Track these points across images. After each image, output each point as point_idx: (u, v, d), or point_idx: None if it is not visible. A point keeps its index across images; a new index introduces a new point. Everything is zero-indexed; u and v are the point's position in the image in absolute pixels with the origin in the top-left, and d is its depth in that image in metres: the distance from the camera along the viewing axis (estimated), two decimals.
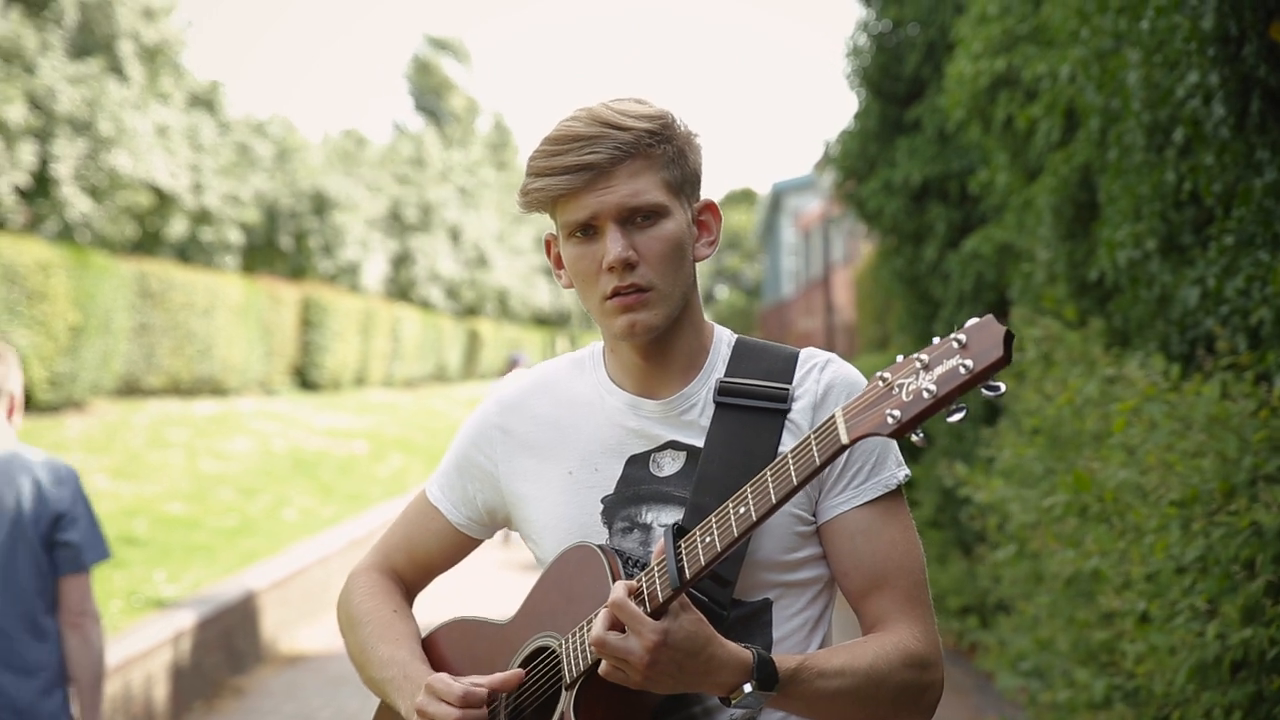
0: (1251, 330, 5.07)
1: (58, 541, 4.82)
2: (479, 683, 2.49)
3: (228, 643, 10.37)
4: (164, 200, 25.87)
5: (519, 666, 2.55)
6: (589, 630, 2.35)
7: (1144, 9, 5.52)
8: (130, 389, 22.29)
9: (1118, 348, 6.41)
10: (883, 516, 2.49)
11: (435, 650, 2.72)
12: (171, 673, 9.28)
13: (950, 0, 10.95)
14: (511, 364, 21.22)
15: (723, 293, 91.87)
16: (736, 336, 2.62)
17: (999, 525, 7.12)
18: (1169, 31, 5.34)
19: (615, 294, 2.45)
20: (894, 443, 2.43)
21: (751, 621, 2.47)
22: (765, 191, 56.69)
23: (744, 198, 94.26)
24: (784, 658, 2.33)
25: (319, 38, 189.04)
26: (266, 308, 27.48)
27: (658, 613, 2.25)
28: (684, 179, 2.51)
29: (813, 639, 2.52)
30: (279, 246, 35.14)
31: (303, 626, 12.23)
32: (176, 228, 26.93)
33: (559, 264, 2.57)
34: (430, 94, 65.15)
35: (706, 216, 2.58)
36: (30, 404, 18.29)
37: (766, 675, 2.28)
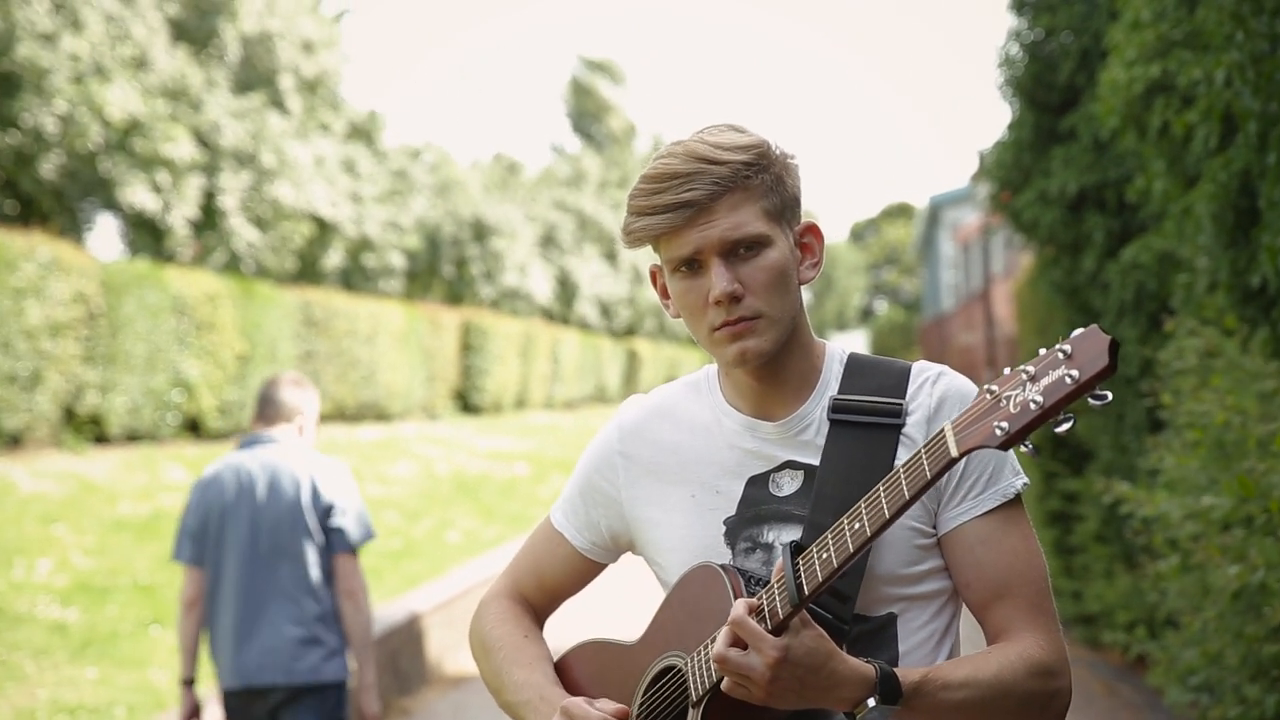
0: None
1: (330, 527, 6.04)
2: (610, 712, 2.54)
3: (393, 664, 10.52)
4: (325, 229, 26.37)
5: (647, 686, 2.60)
6: (712, 648, 2.37)
7: None
8: None
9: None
10: (1003, 526, 2.49)
11: (568, 673, 2.76)
12: None
13: (1104, 7, 10.79)
14: None
15: (881, 308, 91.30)
16: (849, 352, 2.64)
17: (1165, 540, 7.00)
18: None
19: (723, 325, 2.48)
20: (1011, 452, 2.42)
21: (877, 636, 2.49)
22: (923, 205, 56.22)
23: (901, 212, 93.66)
24: (907, 671, 2.34)
25: (473, 64, 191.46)
26: (427, 333, 27.85)
27: (778, 629, 2.27)
28: (784, 205, 2.52)
29: (940, 651, 2.53)
30: (440, 273, 35.63)
31: (467, 648, 12.32)
32: (336, 256, 27.43)
33: (665, 295, 2.60)
34: (587, 116, 65.62)
35: (809, 239, 2.60)
36: (201, 432, 18.75)
37: (890, 689, 2.29)
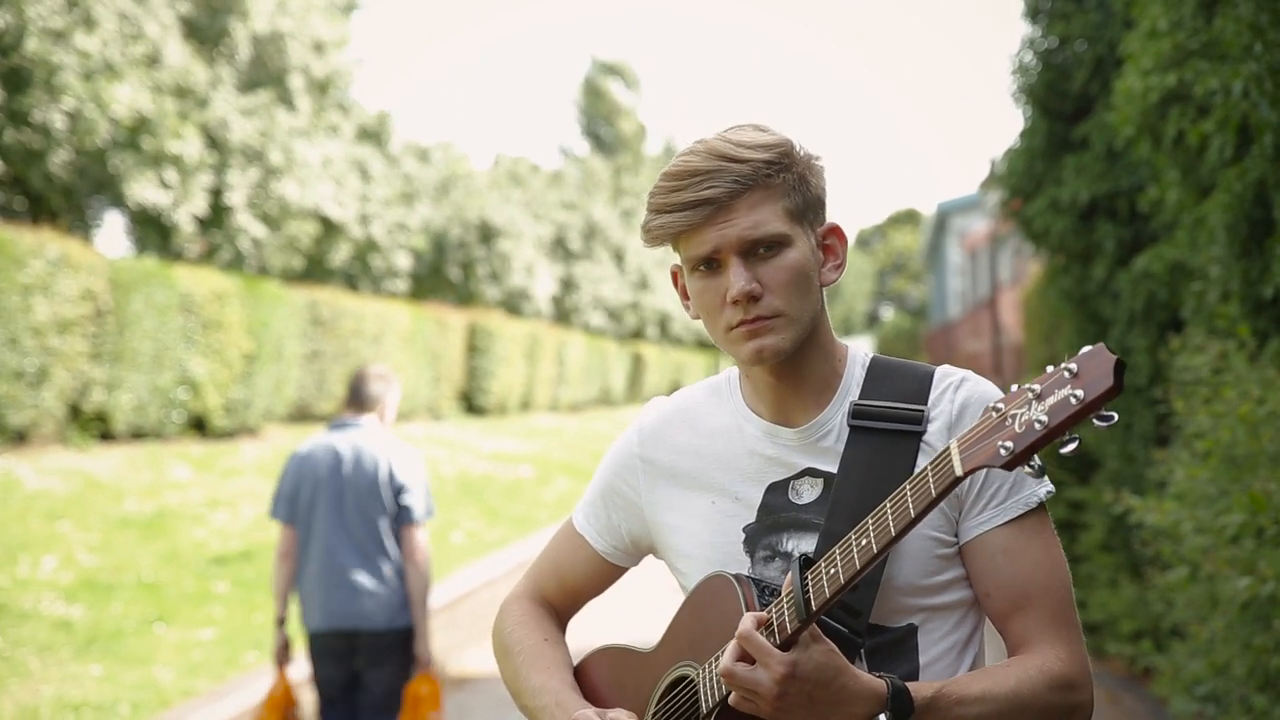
0: None
1: (401, 503, 7.16)
2: None
3: None
4: (331, 229, 26.38)
5: (660, 695, 2.58)
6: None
7: None
8: (302, 415, 22.75)
9: None
10: (1025, 535, 2.45)
11: (586, 678, 2.75)
12: None
13: (1119, 16, 10.77)
14: None
15: (887, 314, 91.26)
16: (871, 355, 2.61)
17: (1173, 549, 6.99)
18: None
19: (740, 324, 2.45)
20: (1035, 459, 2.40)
21: (897, 648, 2.45)
22: (930, 212, 56.24)
23: (909, 218, 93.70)
24: (920, 686, 2.30)
25: (487, 64, 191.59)
26: (434, 334, 27.85)
27: (787, 644, 2.24)
28: (806, 205, 2.49)
29: (962, 662, 2.49)
30: (446, 275, 35.64)
31: (471, 649, 12.35)
32: (342, 256, 27.43)
33: (685, 295, 2.57)
34: (599, 119, 65.65)
35: (831, 240, 2.56)
36: (206, 430, 18.75)
37: (902, 705, 2.26)
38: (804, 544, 2.48)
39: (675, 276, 2.61)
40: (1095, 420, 2.01)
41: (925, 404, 2.49)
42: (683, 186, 2.44)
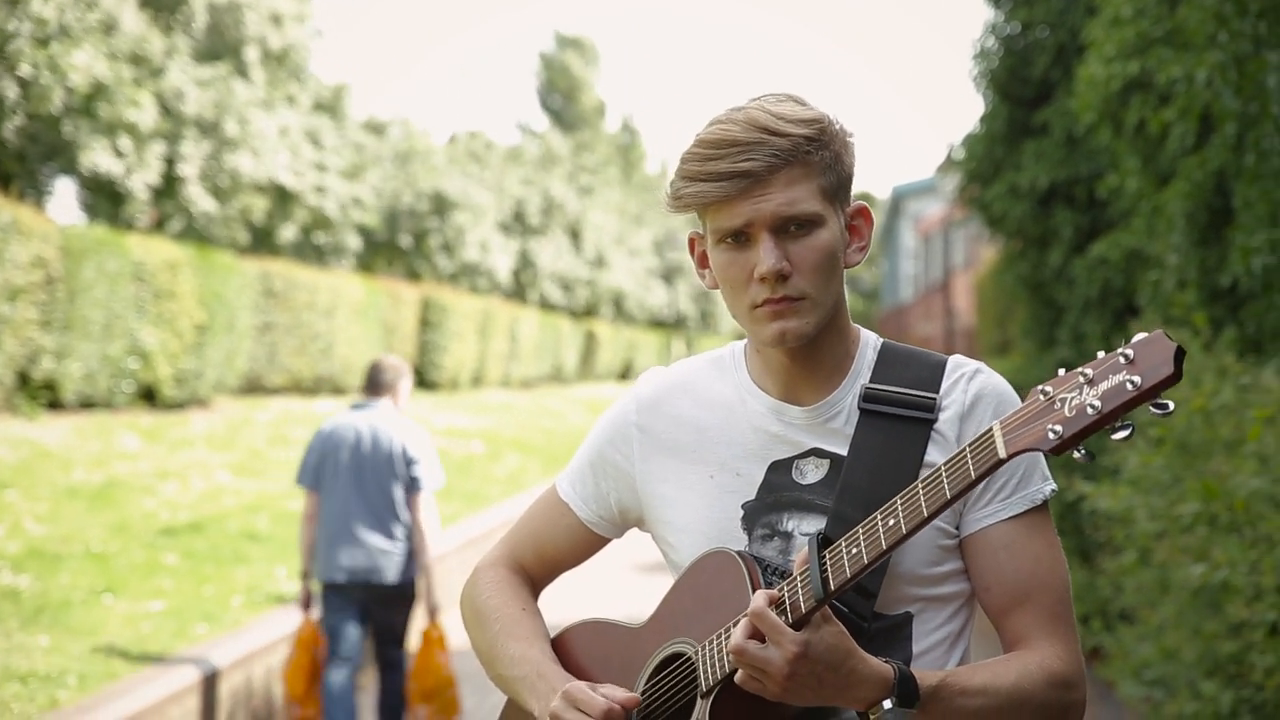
0: None
1: (411, 475, 8.13)
2: (618, 699, 2.45)
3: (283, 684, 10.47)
4: (285, 199, 26.21)
5: (653, 672, 2.52)
6: (727, 638, 2.31)
7: None
8: (253, 387, 22.60)
9: (1251, 355, 6.31)
10: (1028, 531, 2.41)
11: (565, 651, 2.68)
12: None
13: (1081, 2, 10.82)
14: None
15: None
16: (883, 341, 2.56)
17: (1125, 535, 7.02)
18: None
19: (766, 303, 2.39)
20: (1041, 456, 2.34)
21: (892, 635, 2.42)
22: (885, 195, 56.36)
23: (863, 201, 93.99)
24: (925, 674, 2.27)
25: (446, 39, 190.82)
26: (387, 307, 27.72)
27: (799, 623, 2.20)
28: (839, 184, 2.44)
29: (953, 654, 2.46)
30: (399, 247, 35.47)
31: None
32: (294, 227, 27.27)
33: (704, 263, 2.50)
34: (558, 94, 65.46)
35: (859, 221, 2.50)
36: (156, 401, 18.61)
37: (907, 691, 2.23)
38: (806, 525, 2.44)
39: (693, 243, 2.54)
40: (1152, 408, 1.97)
41: (938, 392, 2.45)
42: (720, 155, 2.36)
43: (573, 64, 65.76)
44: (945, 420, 2.44)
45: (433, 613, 8.35)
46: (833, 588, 2.20)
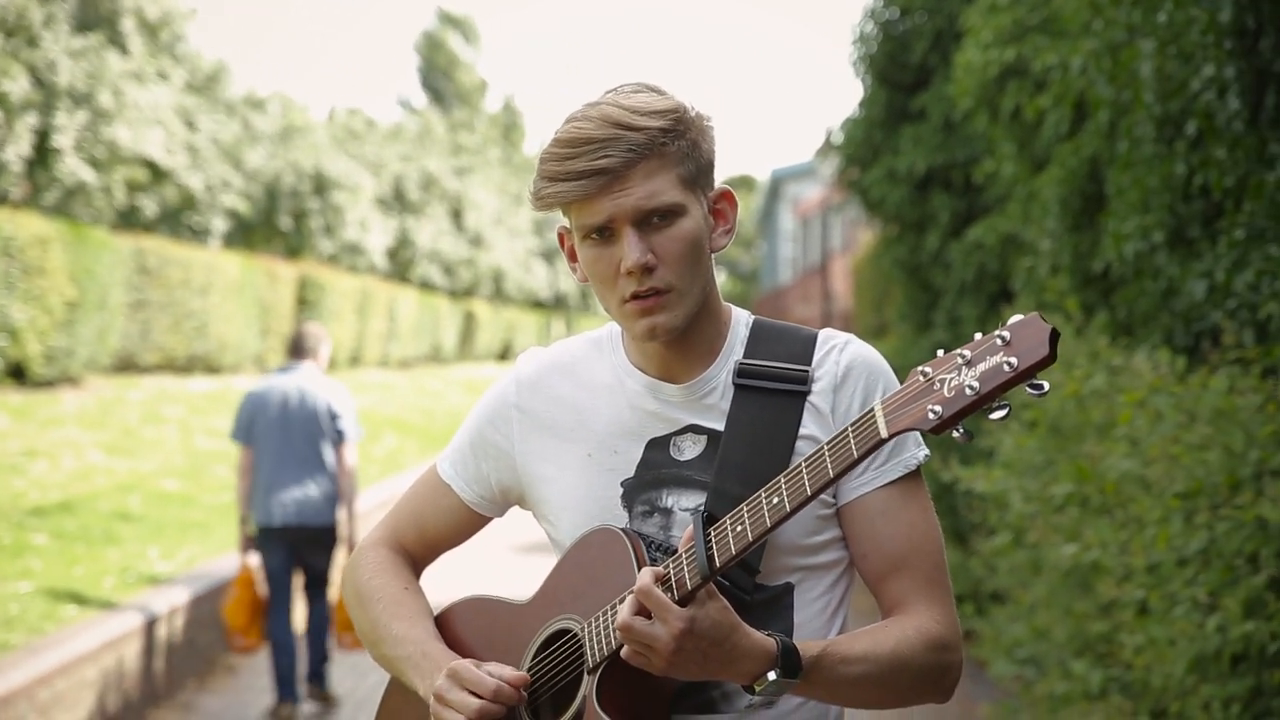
0: (1259, 325, 5.06)
1: (336, 428, 9.07)
2: (506, 678, 2.46)
3: (221, 620, 10.35)
4: (159, 175, 25.80)
5: (538, 648, 2.53)
6: (614, 615, 2.34)
7: (1161, 1, 5.50)
8: (126, 365, 22.24)
9: (1122, 339, 6.41)
10: (903, 498, 2.47)
11: (449, 628, 2.68)
12: (165, 650, 9.27)
13: None
14: None
15: (719, 279, 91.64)
16: (754, 318, 2.60)
17: (999, 516, 7.12)
18: (1185, 24, 5.32)
19: (634, 297, 2.42)
20: None
21: (773, 605, 2.45)
22: (764, 178, 56.64)
23: (742, 184, 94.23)
24: (807, 644, 2.31)
25: (327, 14, 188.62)
26: (263, 286, 27.40)
27: (684, 600, 2.23)
28: (699, 171, 2.47)
29: (834, 623, 2.50)
30: (278, 226, 35.06)
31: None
32: (168, 205, 26.86)
33: (574, 258, 2.53)
34: (438, 72, 64.99)
35: (723, 205, 2.54)
36: (26, 379, 18.25)
37: (791, 663, 2.26)
38: (685, 500, 2.48)
39: (562, 238, 2.56)
40: (1028, 389, 2.02)
41: (810, 365, 2.50)
42: (576, 154, 2.39)
43: (454, 42, 65.33)
44: (818, 392, 2.48)
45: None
46: (718, 564, 2.23)
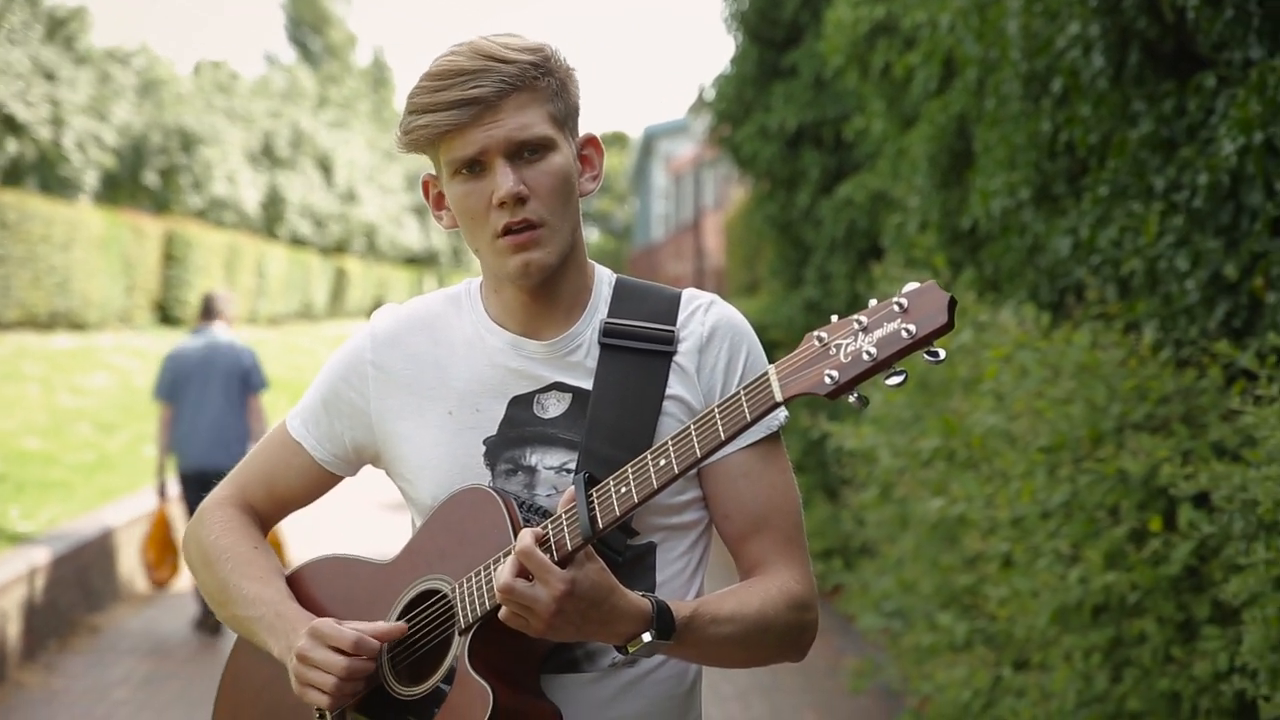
0: (1121, 281, 5.13)
1: (248, 381, 10.02)
2: (367, 631, 2.41)
3: (84, 580, 10.20)
4: (16, 129, 25.21)
5: (404, 609, 2.48)
6: (488, 575, 2.31)
7: None
8: None
9: (990, 294, 6.47)
10: (764, 459, 2.47)
11: (302, 589, 2.61)
12: (25, 610, 9.09)
13: None
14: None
15: (592, 236, 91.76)
16: (616, 276, 2.58)
17: (867, 471, 7.17)
18: None
19: (507, 231, 2.39)
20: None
21: (636, 565, 2.44)
22: (637, 135, 56.57)
23: (615, 141, 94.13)
24: (679, 605, 2.31)
25: None
26: (129, 241, 26.93)
27: (564, 561, 2.21)
28: (567, 112, 2.46)
29: (694, 582, 2.50)
30: (143, 181, 34.42)
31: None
32: (29, 159, 26.27)
33: (439, 205, 2.50)
34: (306, 26, 64.06)
35: (589, 151, 2.53)
36: None
37: (665, 624, 2.26)
38: (549, 458, 2.45)
39: (426, 187, 2.52)
40: (925, 356, 2.01)
41: (675, 325, 2.49)
42: (448, 85, 2.36)
43: None
44: (684, 352, 2.48)
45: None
46: (601, 526, 2.21)
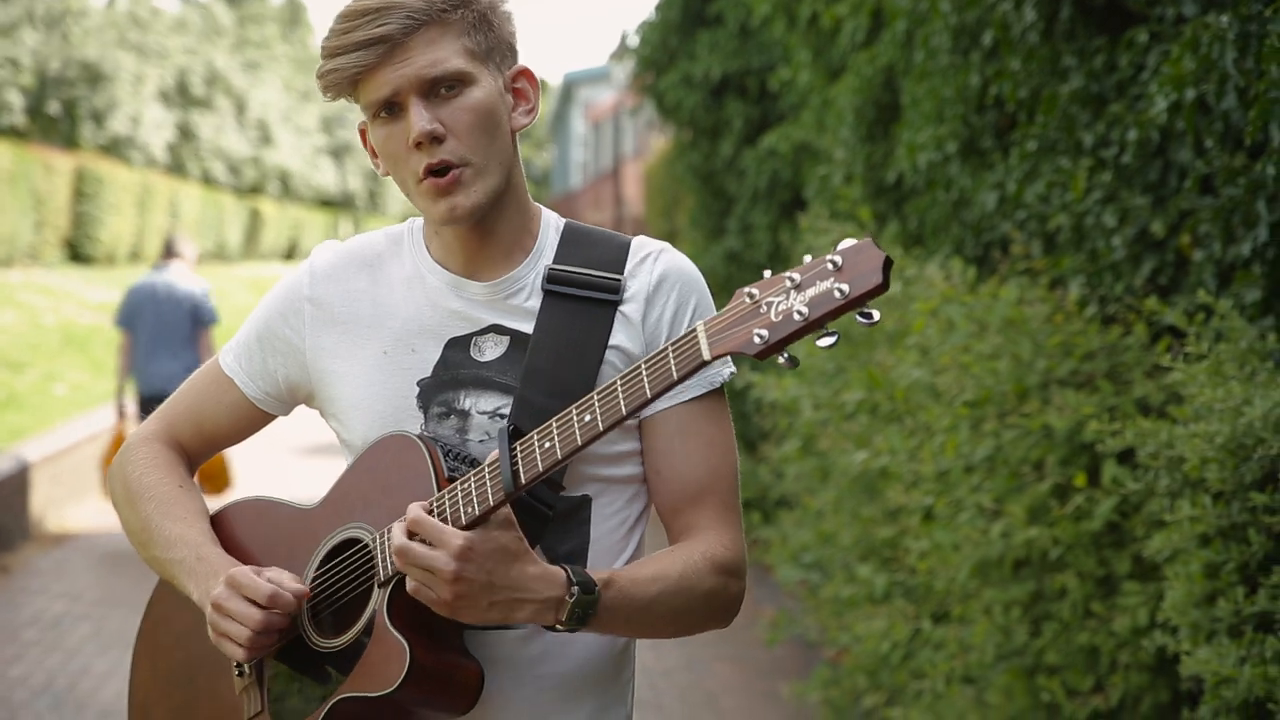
0: (1048, 236, 5.14)
1: (198, 317, 10.79)
2: (285, 585, 2.34)
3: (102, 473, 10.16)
4: None
5: (325, 556, 2.41)
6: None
7: None
8: None
9: (915, 248, 6.47)
10: (704, 415, 2.41)
11: (226, 530, 2.55)
12: None
13: None
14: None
15: None
16: (565, 221, 2.50)
17: (789, 424, 7.17)
18: None
19: (428, 173, 2.32)
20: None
21: (570, 519, 2.39)
22: (556, 82, 56.23)
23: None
24: (596, 572, 2.25)
25: None
26: (39, 177, 26.49)
27: (484, 516, 2.16)
28: (490, 46, 2.38)
29: (630, 540, 2.44)
30: (48, 114, 33.83)
31: (72, 505, 11.93)
32: None
33: (375, 153, 2.42)
34: None
35: (522, 83, 2.45)
36: None
37: (584, 582, 2.20)
38: (483, 403, 2.39)
39: (364, 134, 2.45)
40: (858, 317, 1.94)
41: (622, 273, 2.42)
42: (355, 26, 2.30)
43: None
44: (630, 301, 2.41)
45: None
46: (523, 480, 2.16)
